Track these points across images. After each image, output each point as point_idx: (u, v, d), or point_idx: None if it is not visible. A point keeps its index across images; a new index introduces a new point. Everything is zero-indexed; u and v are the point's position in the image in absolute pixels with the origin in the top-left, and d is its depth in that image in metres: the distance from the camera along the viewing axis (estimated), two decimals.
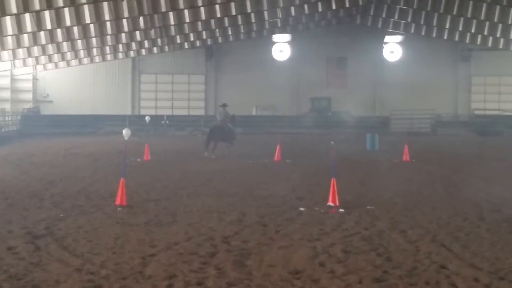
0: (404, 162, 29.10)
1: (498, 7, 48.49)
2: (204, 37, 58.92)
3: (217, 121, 33.25)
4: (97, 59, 59.68)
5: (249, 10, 47.64)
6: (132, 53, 61.47)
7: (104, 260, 10.22)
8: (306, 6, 52.56)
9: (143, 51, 61.07)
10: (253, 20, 53.89)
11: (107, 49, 56.36)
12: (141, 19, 44.69)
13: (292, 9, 52.16)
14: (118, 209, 15.13)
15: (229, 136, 32.87)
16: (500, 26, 53.96)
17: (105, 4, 38.82)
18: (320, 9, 54.84)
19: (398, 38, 67.12)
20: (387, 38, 67.29)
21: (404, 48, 67.21)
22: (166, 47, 60.34)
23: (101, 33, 46.09)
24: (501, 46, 60.26)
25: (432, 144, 42.60)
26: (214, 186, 19.93)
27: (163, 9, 40.80)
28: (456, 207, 15.87)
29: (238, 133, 35.87)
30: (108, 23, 44.21)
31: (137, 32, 50.46)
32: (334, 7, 55.14)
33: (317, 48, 65.91)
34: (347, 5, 56.35)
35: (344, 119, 57.88)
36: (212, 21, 51.56)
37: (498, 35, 56.22)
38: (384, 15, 61.21)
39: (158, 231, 12.60)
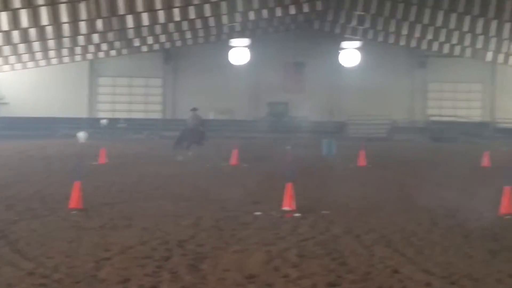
0: (360, 167, 29.29)
1: (454, 15, 49.05)
2: (162, 40, 58.75)
3: (189, 124, 34.14)
4: (54, 61, 59.14)
5: (207, 14, 47.66)
6: (89, 56, 61.05)
7: (57, 263, 10.15)
8: (264, 11, 52.64)
9: (101, 54, 60.69)
10: (211, 24, 53.86)
11: (64, 51, 55.92)
12: (99, 21, 44.47)
13: (251, 13, 52.23)
14: (73, 212, 15.03)
15: (200, 139, 33.88)
16: (456, 33, 54.57)
17: (62, 6, 38.58)
18: (278, 14, 55.01)
19: (356, 43, 67.45)
20: (345, 44, 67.57)
21: (362, 53, 67.52)
22: (124, 50, 60.02)
23: (58, 35, 45.77)
24: (457, 53, 60.97)
25: (388, 150, 42.93)
26: (170, 189, 19.90)
27: (121, 12, 40.68)
28: (411, 212, 16.03)
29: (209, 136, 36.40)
30: (65, 25, 43.90)
31: (95, 35, 50.18)
32: (292, 12, 55.33)
33: (275, 52, 65.97)
34: (306, 10, 56.55)
35: (301, 124, 58.07)
36: (171, 24, 51.43)
37: (454, 42, 56.86)
38: (342, 21, 61.50)
39: (113, 234, 12.55)
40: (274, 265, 10.37)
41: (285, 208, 15.73)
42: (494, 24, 49.08)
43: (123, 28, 47.78)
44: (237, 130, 56.53)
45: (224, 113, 65.77)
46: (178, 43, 61.50)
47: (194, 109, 34.99)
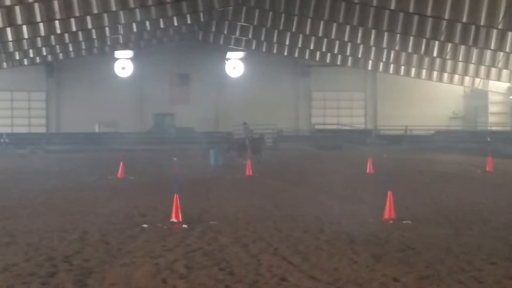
0: (247, 177, 29.44)
1: (334, 25, 50.03)
2: (44, 53, 57.77)
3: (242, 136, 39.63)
4: None
5: (90, 26, 47.10)
6: None
7: None
8: (147, 23, 52.41)
9: None
10: (94, 36, 53.27)
11: None
12: None
13: (134, 25, 51.90)
14: None
15: (253, 148, 38.35)
16: (337, 43, 55.73)
17: None
18: (162, 26, 54.88)
19: (240, 54, 67.96)
20: (229, 54, 68.01)
21: (246, 64, 68.10)
22: (4, 64, 58.65)
23: None
24: (338, 62, 62.29)
25: (274, 159, 43.27)
26: (55, 204, 19.52)
27: (0, 25, 39.77)
28: (297, 220, 16.20)
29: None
30: None
31: None
32: (175, 23, 55.28)
33: (160, 64, 65.82)
34: (189, 21, 56.60)
35: (188, 135, 58.03)
36: (52, 37, 50.63)
37: (335, 51, 58.06)
38: (225, 32, 61.90)
39: None
40: (162, 277, 10.32)
41: (173, 219, 15.68)
42: (373, 34, 50.36)
43: (2, 41, 46.74)
44: (123, 143, 55.90)
45: (109, 125, 65.11)
46: (61, 56, 60.56)
47: (244, 124, 39.58)
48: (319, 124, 67.60)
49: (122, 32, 53.89)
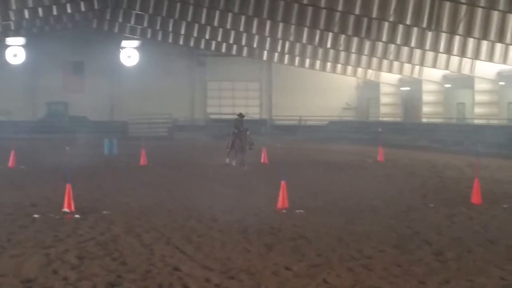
0: (141, 166, 29.31)
1: (230, 15, 50.10)
2: None
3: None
4: None
5: None
6: None
7: None
8: (40, 9, 51.37)
9: None
10: None
11: None
12: None
13: (26, 12, 50.79)
14: None
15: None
16: (232, 33, 55.86)
17: None
18: (55, 13, 53.89)
19: (135, 43, 67.34)
20: (124, 43, 67.26)
21: (142, 53, 67.49)
22: None
23: None
24: (234, 52, 62.51)
25: (169, 148, 43.17)
26: None
27: None
28: (191, 209, 16.26)
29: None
30: None
31: None
32: (69, 10, 54.39)
33: (53, 52, 64.56)
34: (83, 9, 55.77)
35: (82, 124, 57.22)
36: None
37: (231, 41, 58.22)
38: (120, 20, 61.26)
39: None
40: (53, 268, 10.22)
41: (65, 209, 15.51)
42: (268, 25, 50.64)
43: None
44: (15, 131, 54.70)
45: (0, 113, 63.62)
46: None
47: (240, 114, 32.90)
48: (215, 114, 67.61)
49: (13, 19, 52.67)
